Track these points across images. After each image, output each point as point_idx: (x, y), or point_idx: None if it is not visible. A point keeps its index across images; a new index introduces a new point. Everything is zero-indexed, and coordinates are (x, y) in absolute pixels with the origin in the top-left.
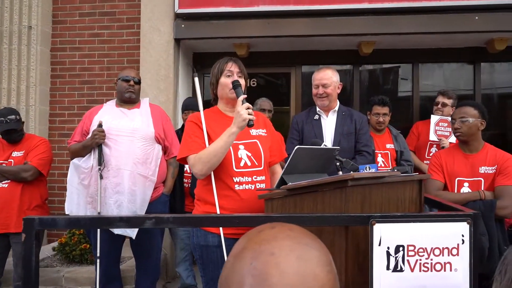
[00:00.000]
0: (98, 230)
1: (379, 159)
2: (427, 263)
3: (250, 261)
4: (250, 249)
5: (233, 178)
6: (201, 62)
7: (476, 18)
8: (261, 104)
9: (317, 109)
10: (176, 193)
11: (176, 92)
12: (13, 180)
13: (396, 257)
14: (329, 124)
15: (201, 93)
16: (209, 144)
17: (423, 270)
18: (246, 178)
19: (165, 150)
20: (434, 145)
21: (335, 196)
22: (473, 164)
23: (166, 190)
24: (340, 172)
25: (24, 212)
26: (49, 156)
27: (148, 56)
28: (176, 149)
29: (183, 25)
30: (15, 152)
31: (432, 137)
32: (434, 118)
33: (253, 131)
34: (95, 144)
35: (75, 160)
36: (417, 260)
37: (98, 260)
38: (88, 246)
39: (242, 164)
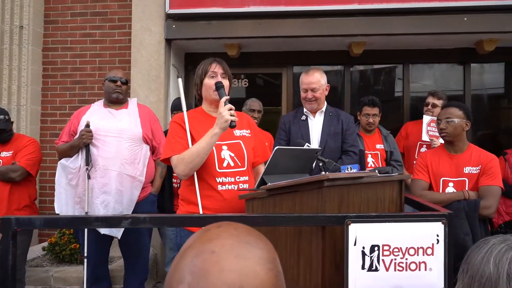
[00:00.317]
0: (86, 230)
1: (369, 159)
2: (402, 263)
3: (191, 259)
4: (193, 247)
5: (216, 178)
6: (193, 63)
7: (465, 19)
8: (250, 104)
9: (304, 110)
10: (165, 193)
11: (167, 92)
12: (1, 180)
13: (371, 257)
14: (316, 124)
15: (184, 94)
16: (192, 145)
17: (398, 270)
18: (229, 178)
19: (153, 150)
20: (424, 145)
21: (312, 196)
22: (458, 164)
23: (154, 190)
24: (323, 173)
25: (12, 212)
26: (38, 157)
27: (139, 56)
28: None
29: (174, 26)
30: (3, 152)
31: (425, 137)
32: (426, 119)
33: (237, 132)
34: (83, 144)
35: (63, 161)
36: (392, 260)
37: (85, 260)
38: (78, 246)
39: (225, 164)
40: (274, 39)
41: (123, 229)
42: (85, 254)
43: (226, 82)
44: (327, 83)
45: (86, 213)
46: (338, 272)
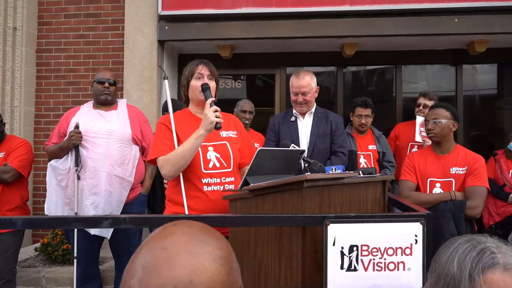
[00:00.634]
0: (75, 230)
1: (361, 160)
2: (381, 263)
3: (144, 255)
4: (147, 244)
5: (202, 179)
6: (186, 64)
7: (456, 20)
8: (242, 105)
9: (294, 111)
10: (156, 194)
11: (160, 94)
12: None
13: (350, 257)
14: (305, 125)
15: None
16: (178, 146)
17: (377, 270)
18: (215, 179)
19: (143, 151)
20: (416, 146)
21: (292, 197)
22: (445, 165)
23: (144, 190)
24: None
25: (4, 213)
26: (30, 158)
27: (132, 57)
28: None
29: (166, 27)
30: None
31: (418, 138)
32: (418, 120)
33: (223, 133)
34: (72, 145)
35: (53, 162)
36: (370, 260)
37: (75, 260)
38: (70, 246)
39: (210, 165)
40: (266, 40)
41: (112, 229)
42: (75, 254)
43: (212, 84)
44: (317, 85)
45: (76, 213)
46: (319, 271)
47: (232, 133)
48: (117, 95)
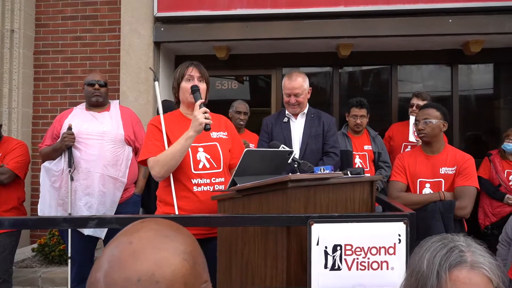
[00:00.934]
0: (69, 231)
1: (357, 160)
2: (364, 262)
3: (111, 250)
4: (115, 239)
5: (192, 179)
6: None
7: (450, 21)
8: (237, 106)
9: (286, 112)
10: (151, 194)
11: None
12: None
13: (333, 256)
14: (297, 126)
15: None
16: (169, 147)
17: (360, 269)
18: (205, 180)
19: (136, 152)
20: (409, 146)
21: (277, 197)
22: (434, 165)
23: (138, 191)
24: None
25: (0, 214)
26: (26, 159)
27: (128, 59)
28: None
29: (162, 29)
30: None
31: (411, 138)
32: (412, 120)
33: (214, 134)
34: (65, 146)
35: (46, 163)
36: (354, 259)
37: (69, 260)
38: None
39: (200, 166)
40: (262, 41)
41: (106, 229)
42: (69, 255)
43: (203, 85)
44: (313, 86)
45: (69, 214)
46: (304, 270)
47: (222, 134)
48: (108, 95)
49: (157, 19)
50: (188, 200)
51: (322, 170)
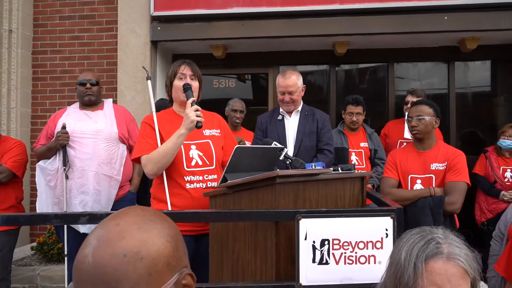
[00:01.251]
0: (65, 229)
1: (353, 157)
2: (352, 256)
3: (99, 230)
4: (103, 222)
5: (184, 177)
6: None
7: (445, 18)
8: (233, 104)
9: (281, 109)
10: (147, 193)
11: (154, 94)
12: None
13: (321, 251)
14: (292, 124)
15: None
16: (161, 145)
17: (348, 263)
18: (198, 177)
19: (130, 149)
20: (404, 143)
21: (266, 192)
22: (425, 161)
23: (133, 188)
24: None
25: None
26: (24, 158)
27: (125, 58)
28: None
29: (159, 28)
30: None
31: (407, 135)
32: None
33: (206, 131)
34: (59, 145)
35: (41, 162)
36: (342, 253)
37: (66, 258)
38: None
39: (193, 163)
40: (258, 40)
41: None
42: (66, 252)
43: (195, 84)
44: (310, 84)
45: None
46: (293, 265)
47: (215, 132)
48: (101, 94)
49: (154, 18)
50: (181, 197)
51: (313, 167)
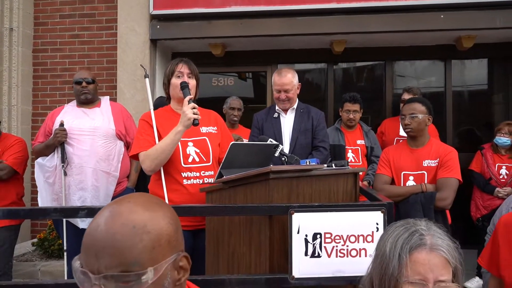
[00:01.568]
0: (64, 225)
1: (349, 154)
2: (343, 249)
3: (111, 204)
4: (115, 200)
5: (181, 173)
6: None
7: (442, 16)
8: (231, 102)
9: (277, 107)
10: (146, 188)
11: (153, 92)
12: None
13: (314, 244)
14: (287, 121)
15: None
16: (159, 142)
17: (340, 256)
18: (194, 173)
19: (127, 146)
20: (401, 140)
21: (261, 188)
22: (418, 158)
23: (130, 184)
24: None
25: None
26: (25, 155)
27: (125, 56)
28: None
29: (158, 26)
30: None
31: (402, 132)
32: None
33: (203, 129)
34: (58, 142)
35: (39, 159)
36: (333, 247)
37: (66, 253)
38: None
39: (190, 160)
40: (256, 38)
41: None
42: (65, 248)
43: (192, 82)
44: (308, 82)
45: None
46: (286, 258)
47: (212, 129)
48: (97, 92)
49: (153, 17)
50: (178, 193)
51: (307, 163)
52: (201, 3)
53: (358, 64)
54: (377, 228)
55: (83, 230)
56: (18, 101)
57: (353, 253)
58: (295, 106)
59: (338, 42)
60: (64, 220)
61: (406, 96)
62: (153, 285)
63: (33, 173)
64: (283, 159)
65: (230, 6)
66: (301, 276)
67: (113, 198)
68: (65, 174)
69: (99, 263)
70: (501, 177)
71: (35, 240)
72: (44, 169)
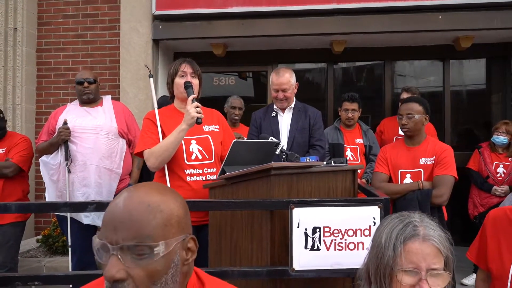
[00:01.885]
0: (69, 221)
1: (348, 153)
2: (342, 243)
3: (130, 188)
4: (134, 185)
5: (185, 170)
6: None
7: (440, 17)
8: (232, 101)
9: (274, 106)
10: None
11: (156, 91)
12: None
13: (313, 238)
14: (285, 120)
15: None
16: (163, 139)
17: (338, 249)
18: (197, 170)
19: (129, 144)
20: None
21: (262, 184)
22: (415, 156)
23: (132, 181)
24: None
25: None
26: (30, 153)
27: (128, 56)
28: None
29: (160, 26)
30: None
31: (401, 132)
32: None
33: (206, 127)
34: (61, 140)
35: (44, 157)
36: (332, 240)
37: (70, 249)
38: None
39: (193, 157)
40: (257, 38)
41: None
42: (69, 244)
43: (195, 81)
44: (308, 81)
45: None
46: (286, 251)
47: (214, 127)
48: (99, 91)
49: (156, 17)
50: (182, 189)
51: (307, 160)
52: (203, 4)
53: (358, 64)
54: (374, 223)
55: (87, 225)
56: (22, 100)
57: (351, 246)
58: (292, 105)
59: (338, 42)
60: (68, 216)
61: (405, 96)
62: (163, 259)
63: (36, 171)
64: (283, 156)
65: (231, 7)
66: (301, 268)
67: (115, 194)
68: (69, 171)
69: (117, 235)
70: (498, 175)
71: (39, 237)
72: (48, 166)
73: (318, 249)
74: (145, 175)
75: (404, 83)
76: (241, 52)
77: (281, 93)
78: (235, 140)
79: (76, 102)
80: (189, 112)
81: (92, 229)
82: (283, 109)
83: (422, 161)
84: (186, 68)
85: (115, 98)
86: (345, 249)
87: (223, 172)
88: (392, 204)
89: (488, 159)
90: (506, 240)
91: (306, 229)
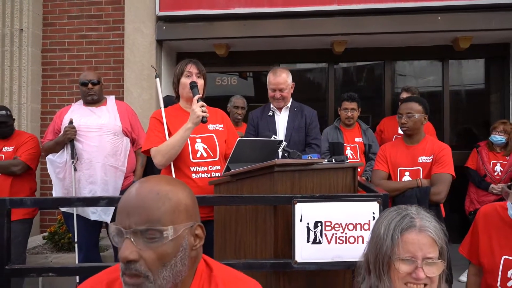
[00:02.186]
0: (75, 218)
1: (348, 151)
2: (342, 237)
3: (142, 179)
4: (146, 177)
5: (190, 167)
6: None
7: (439, 18)
8: (234, 101)
9: (271, 106)
10: None
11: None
12: (3, 173)
13: (315, 232)
14: (282, 119)
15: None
16: (169, 138)
17: (339, 243)
18: (202, 167)
19: (133, 142)
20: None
21: (265, 180)
22: (413, 155)
23: (136, 178)
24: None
25: None
26: (37, 152)
27: (132, 56)
28: (143, 141)
29: (164, 27)
30: (5, 147)
31: (401, 131)
32: None
33: (211, 126)
34: (68, 139)
35: (50, 156)
36: (333, 234)
37: (76, 246)
38: None
39: (198, 155)
40: (259, 39)
41: (111, 214)
42: (76, 240)
43: (200, 81)
44: (308, 81)
45: None
46: (289, 245)
47: (219, 126)
48: (103, 91)
49: (159, 18)
50: (188, 186)
51: (309, 158)
52: (205, 5)
53: (358, 64)
54: (373, 217)
55: (93, 223)
56: (28, 99)
57: (351, 240)
58: (289, 105)
59: (339, 43)
60: (75, 213)
61: (405, 95)
62: (172, 242)
63: (42, 169)
64: (286, 154)
65: (233, 8)
66: (303, 261)
67: (121, 191)
68: (75, 169)
69: (130, 220)
70: (495, 174)
71: (45, 234)
72: (55, 164)
73: (319, 242)
74: (149, 172)
75: (404, 83)
76: (243, 52)
77: (278, 93)
78: (240, 138)
79: (81, 102)
80: (195, 111)
81: (97, 226)
82: (280, 109)
83: (421, 159)
84: (191, 68)
85: (119, 98)
86: (346, 243)
87: (228, 169)
88: (391, 201)
89: (485, 158)
90: (497, 235)
91: (308, 224)
